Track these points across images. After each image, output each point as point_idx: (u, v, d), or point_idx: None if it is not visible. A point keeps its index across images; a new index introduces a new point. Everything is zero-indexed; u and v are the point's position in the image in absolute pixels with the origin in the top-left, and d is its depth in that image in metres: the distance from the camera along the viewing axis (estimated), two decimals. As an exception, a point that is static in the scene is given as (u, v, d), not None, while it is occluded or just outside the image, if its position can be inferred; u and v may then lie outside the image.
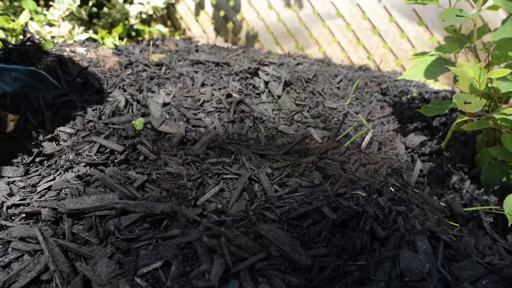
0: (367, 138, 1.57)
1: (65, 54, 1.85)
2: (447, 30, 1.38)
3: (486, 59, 1.19)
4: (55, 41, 2.22)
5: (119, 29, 2.56)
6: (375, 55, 2.61)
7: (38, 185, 1.15)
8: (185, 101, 1.72)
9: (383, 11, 2.46)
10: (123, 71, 1.91)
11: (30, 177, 1.18)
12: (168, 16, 3.29)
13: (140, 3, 2.72)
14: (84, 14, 2.51)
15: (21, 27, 2.03)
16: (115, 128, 1.45)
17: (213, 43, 2.98)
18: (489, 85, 1.21)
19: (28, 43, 1.81)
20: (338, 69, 2.43)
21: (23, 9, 2.19)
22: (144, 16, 2.77)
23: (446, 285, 0.83)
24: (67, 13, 2.35)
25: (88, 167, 1.23)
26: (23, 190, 1.12)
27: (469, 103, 1.07)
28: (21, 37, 2.05)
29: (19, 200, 1.06)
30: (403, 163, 1.46)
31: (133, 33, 2.84)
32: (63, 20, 2.38)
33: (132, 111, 1.59)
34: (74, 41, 2.31)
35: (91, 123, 1.48)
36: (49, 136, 1.37)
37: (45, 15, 2.31)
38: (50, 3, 2.42)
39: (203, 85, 1.91)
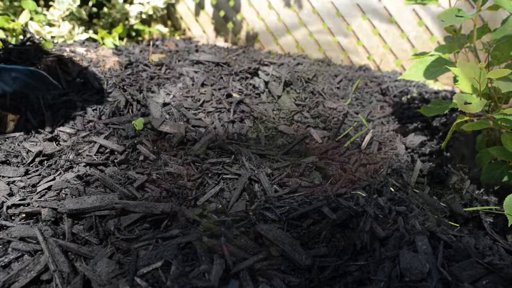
0: (367, 138, 1.57)
1: (65, 54, 1.85)
2: (447, 30, 1.38)
3: (486, 59, 1.19)
4: (55, 41, 2.22)
5: (119, 29, 2.56)
6: (375, 55, 2.61)
7: (38, 185, 1.15)
8: (185, 101, 1.72)
9: (383, 11, 2.46)
10: (123, 71, 1.91)
11: (30, 177, 1.18)
12: (168, 16, 3.29)
13: (140, 3, 2.72)
14: (84, 14, 2.51)
15: (21, 27, 2.03)
16: (115, 128, 1.45)
17: (213, 43, 2.98)
18: (489, 85, 1.21)
19: (28, 43, 1.82)
20: (338, 69, 2.43)
21: (23, 9, 2.19)
22: (144, 16, 2.77)
23: (446, 285, 0.83)
24: (67, 13, 2.35)
25: (88, 167, 1.23)
26: (23, 190, 1.12)
27: (470, 103, 1.07)
28: (21, 37, 2.05)
29: (19, 200, 1.06)
30: (403, 163, 1.46)
31: (133, 33, 2.84)
32: (63, 20, 2.38)
33: (132, 111, 1.59)
34: (74, 41, 2.31)
35: (91, 123, 1.48)
36: (49, 136, 1.37)
37: (45, 15, 2.31)
38: (50, 3, 2.42)
39: (203, 85, 1.91)
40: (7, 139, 1.35)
